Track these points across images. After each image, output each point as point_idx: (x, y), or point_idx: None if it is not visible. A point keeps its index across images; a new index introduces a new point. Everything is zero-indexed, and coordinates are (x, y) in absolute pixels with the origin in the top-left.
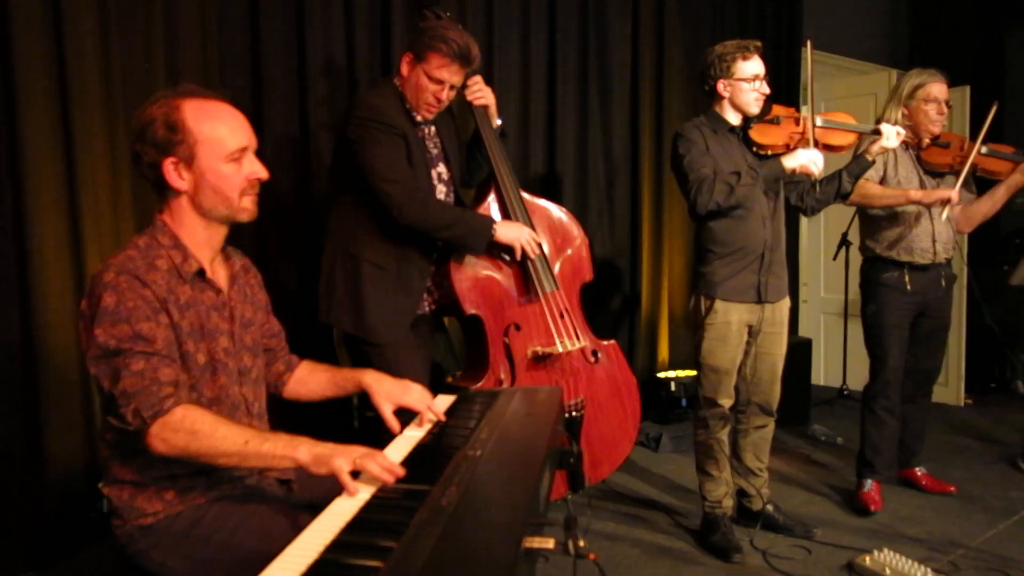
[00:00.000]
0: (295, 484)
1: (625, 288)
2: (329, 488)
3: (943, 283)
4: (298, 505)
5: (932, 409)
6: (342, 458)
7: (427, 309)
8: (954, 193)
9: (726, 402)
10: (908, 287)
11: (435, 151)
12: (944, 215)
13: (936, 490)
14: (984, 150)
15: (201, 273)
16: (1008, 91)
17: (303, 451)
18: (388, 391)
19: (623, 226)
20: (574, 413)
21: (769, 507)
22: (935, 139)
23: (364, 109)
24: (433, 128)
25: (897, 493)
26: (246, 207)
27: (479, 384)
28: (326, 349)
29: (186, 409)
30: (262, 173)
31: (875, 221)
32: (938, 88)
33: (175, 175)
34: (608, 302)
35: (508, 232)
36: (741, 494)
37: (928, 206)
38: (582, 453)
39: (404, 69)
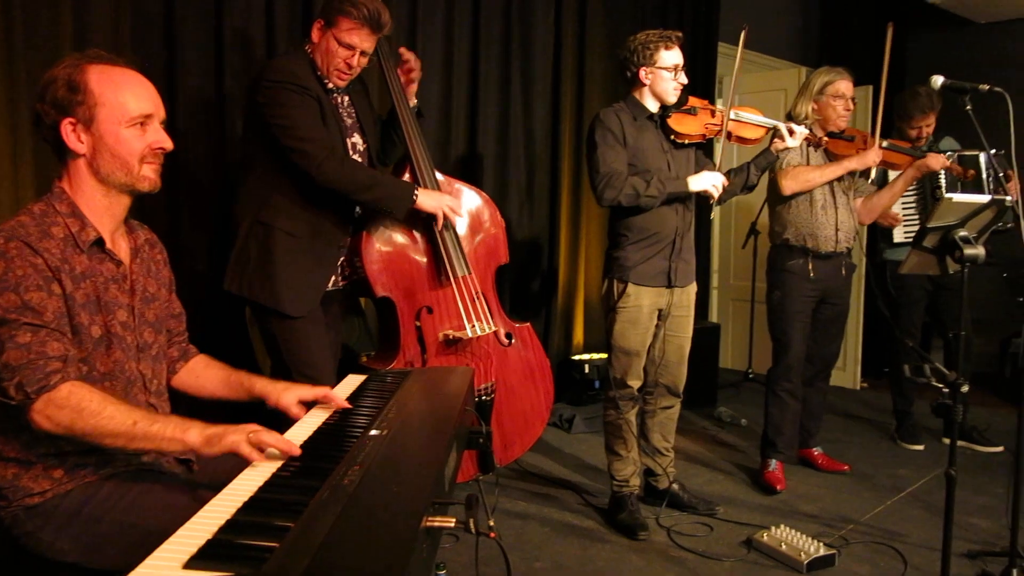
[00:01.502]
0: (195, 464)
1: (543, 271)
2: (231, 468)
3: (843, 272)
4: (198, 484)
5: (830, 392)
6: (236, 434)
7: (339, 284)
8: (877, 154)
9: (635, 383)
10: (811, 274)
11: (349, 121)
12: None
13: (831, 469)
14: (884, 144)
15: (100, 243)
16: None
17: (193, 433)
18: (284, 387)
19: (542, 210)
20: (484, 397)
21: (675, 486)
22: (841, 133)
23: (275, 72)
24: (347, 98)
25: (795, 472)
26: (147, 175)
27: (390, 366)
28: (239, 328)
29: (73, 386)
30: (166, 143)
31: (783, 210)
32: (845, 85)
33: (73, 136)
34: (526, 285)
35: (430, 199)
36: (648, 473)
37: (862, 171)
38: (491, 434)
39: (315, 35)
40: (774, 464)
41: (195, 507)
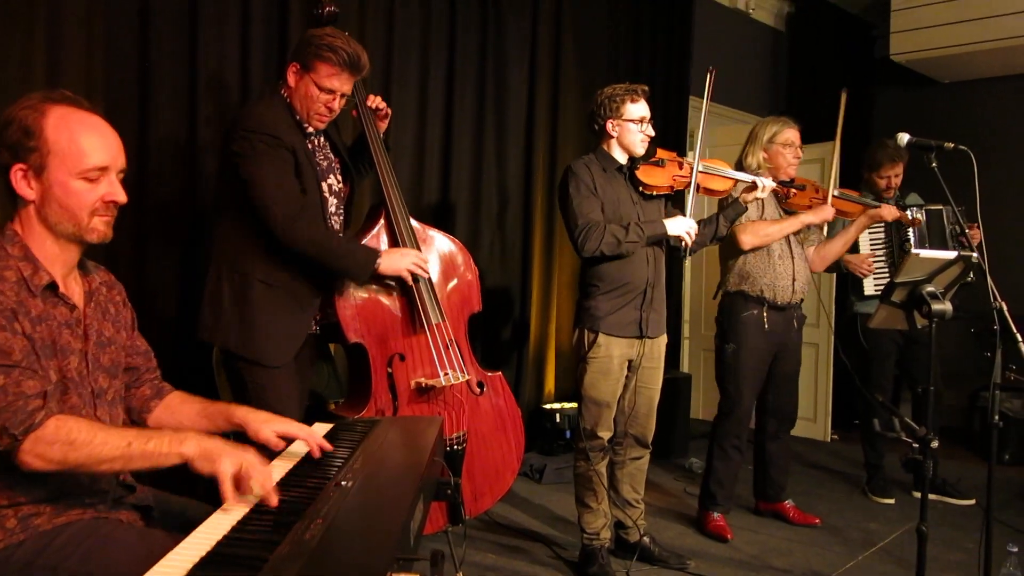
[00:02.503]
0: (154, 511)
1: (515, 319)
2: (189, 517)
3: (795, 324)
4: (156, 533)
5: (800, 444)
6: (229, 460)
7: (312, 329)
8: (831, 210)
9: (605, 434)
10: (766, 326)
11: (325, 163)
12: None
13: (802, 522)
14: (836, 193)
15: (53, 287)
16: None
17: (190, 445)
18: (266, 418)
19: (514, 258)
20: (455, 447)
21: (646, 539)
22: (791, 181)
23: (249, 121)
24: (323, 138)
25: (766, 525)
26: (96, 228)
27: (360, 414)
28: (205, 370)
29: (59, 420)
30: (119, 196)
31: (739, 261)
32: (793, 133)
33: (23, 183)
34: (497, 333)
35: (392, 263)
36: (619, 526)
37: (818, 225)
38: (460, 485)
39: (291, 79)
40: (718, 514)
41: (152, 559)
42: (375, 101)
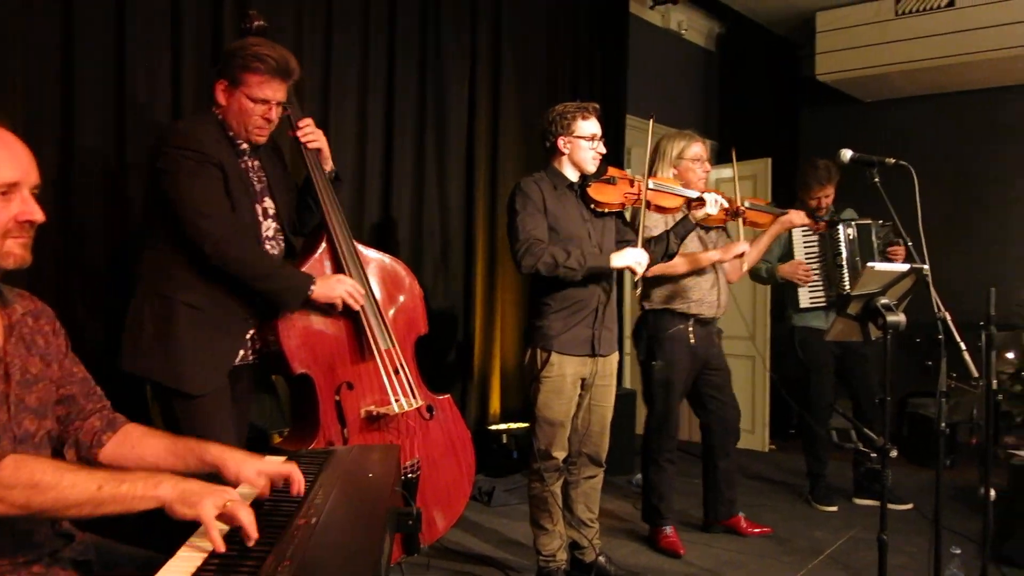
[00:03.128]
0: (95, 566)
1: (458, 340)
2: (139, 569)
3: (716, 337)
4: None
5: (739, 455)
6: (211, 502)
7: (249, 359)
8: (745, 246)
9: (560, 454)
10: (692, 341)
11: (259, 185)
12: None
13: (755, 533)
14: (748, 204)
15: None
16: (802, 162)
17: (166, 488)
18: (243, 457)
19: (457, 278)
20: (410, 475)
21: (601, 558)
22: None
23: (175, 137)
24: (257, 162)
25: (717, 539)
26: (11, 251)
27: (309, 446)
28: (139, 405)
29: (16, 460)
30: (35, 215)
31: (665, 277)
32: (701, 148)
33: None
34: (440, 354)
35: (326, 289)
36: (574, 546)
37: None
38: (420, 514)
39: (221, 97)
40: (669, 529)
41: None
42: (305, 125)
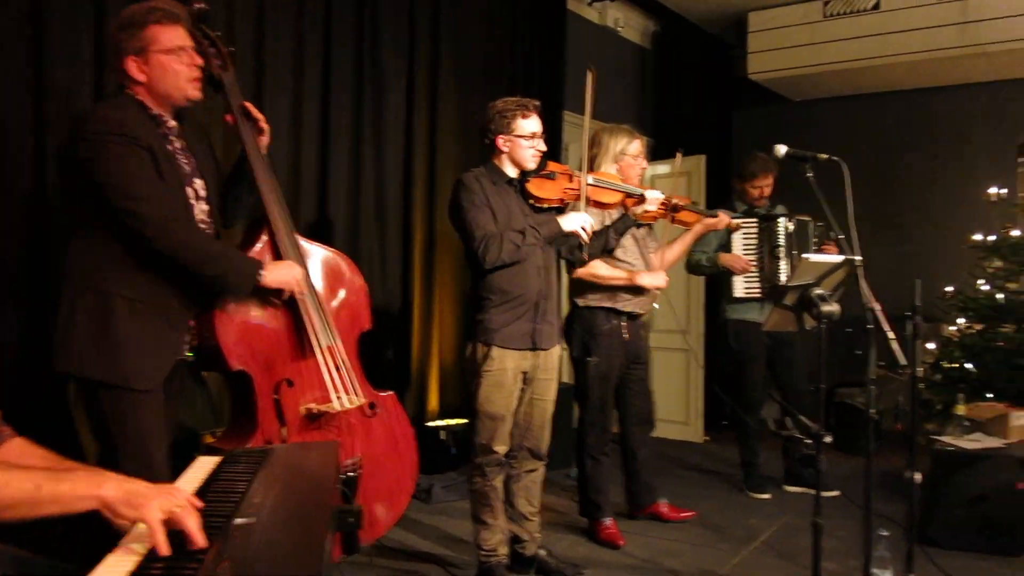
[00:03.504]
0: None
1: (396, 336)
2: None
3: (643, 331)
4: None
5: (675, 447)
6: (157, 504)
7: (184, 354)
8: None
9: (502, 448)
10: (625, 336)
11: (188, 167)
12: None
13: (677, 518)
14: (683, 203)
15: None
16: (734, 159)
17: (110, 488)
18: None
19: (394, 273)
20: (351, 473)
21: (542, 552)
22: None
23: (97, 123)
24: (183, 142)
25: (655, 528)
26: None
27: (245, 445)
28: (60, 412)
29: None
30: None
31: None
32: (641, 145)
33: None
34: (378, 351)
35: (278, 275)
36: (515, 540)
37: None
38: (361, 512)
39: (135, 72)
40: (608, 521)
41: None
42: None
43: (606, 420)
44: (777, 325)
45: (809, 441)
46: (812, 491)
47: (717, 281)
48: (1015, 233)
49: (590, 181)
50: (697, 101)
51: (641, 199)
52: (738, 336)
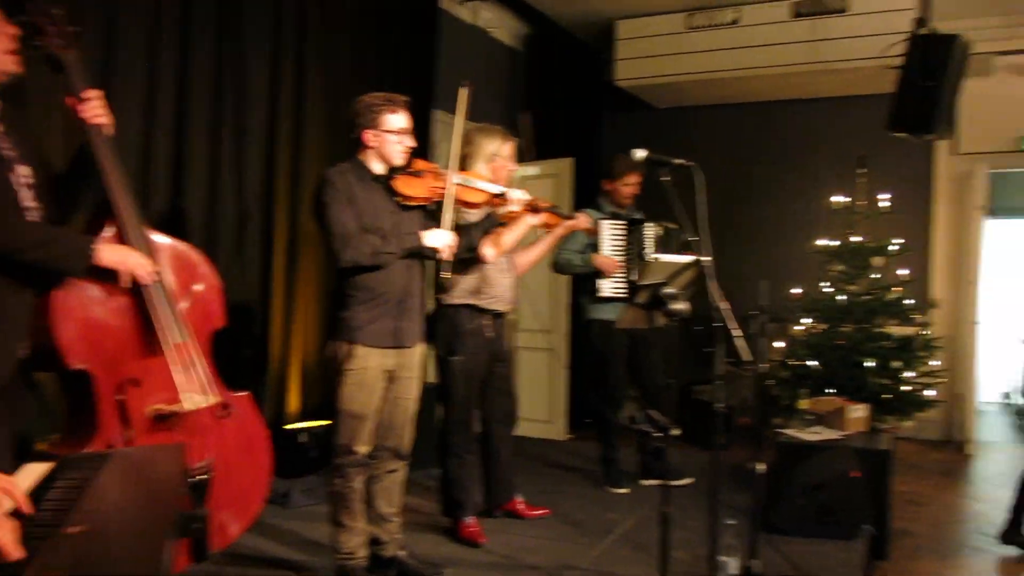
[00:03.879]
0: None
1: (254, 335)
2: None
3: (506, 329)
4: None
5: (538, 445)
6: None
7: (21, 353)
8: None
9: (363, 449)
10: (489, 334)
11: (11, 153)
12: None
13: (533, 515)
14: (545, 204)
15: None
16: (603, 163)
17: None
18: None
19: (253, 269)
20: (200, 476)
21: (402, 552)
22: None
23: None
24: (3, 125)
25: (516, 525)
26: None
27: (84, 450)
28: None
29: None
30: None
31: (469, 273)
32: (512, 147)
33: None
34: (235, 350)
35: (116, 255)
36: (374, 542)
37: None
38: (207, 517)
39: None
40: (470, 520)
41: None
42: (92, 97)
43: (470, 419)
44: (630, 323)
45: (659, 435)
46: (669, 482)
47: (580, 281)
48: (855, 239)
49: (458, 180)
50: (567, 105)
51: (506, 199)
52: (600, 335)
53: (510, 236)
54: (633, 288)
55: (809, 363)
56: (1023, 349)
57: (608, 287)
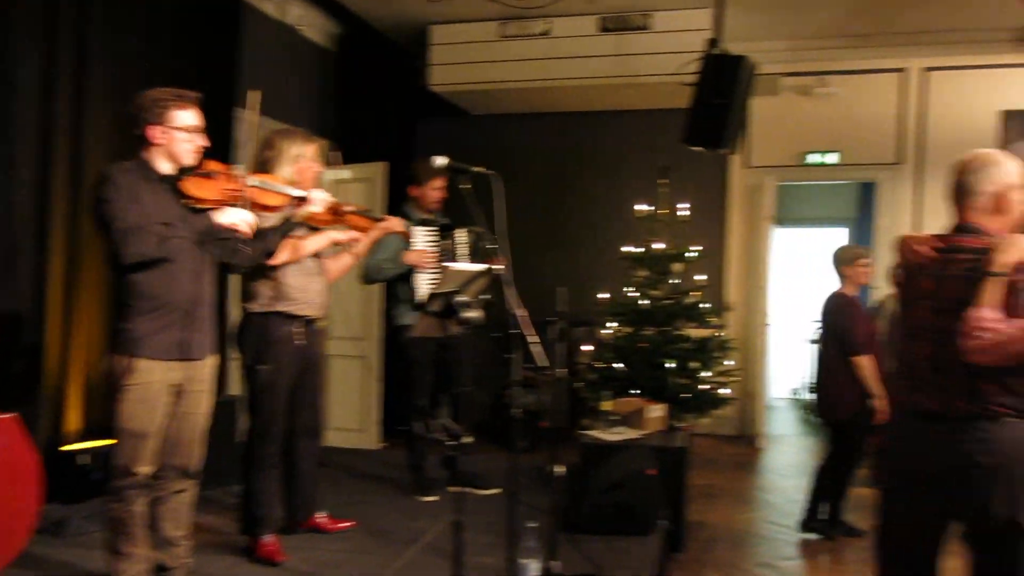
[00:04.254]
0: None
1: (26, 349)
2: None
3: (318, 337)
4: None
5: (350, 455)
6: None
7: None
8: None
9: (145, 469)
10: (299, 342)
11: None
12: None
13: (337, 529)
14: (351, 208)
15: None
16: None
17: None
18: None
19: (25, 277)
20: None
21: None
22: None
23: None
24: None
25: (315, 541)
26: None
27: None
28: None
29: None
30: None
31: (269, 275)
32: (316, 149)
33: None
34: (3, 365)
35: None
36: (160, 568)
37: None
38: None
39: None
40: (268, 538)
41: None
42: None
43: (277, 430)
44: (425, 331)
45: (452, 442)
46: (474, 490)
47: (392, 287)
48: (657, 246)
49: (254, 183)
50: (382, 108)
51: (306, 202)
52: (408, 342)
53: (312, 243)
54: (429, 297)
55: (615, 365)
56: (810, 348)
57: (426, 285)
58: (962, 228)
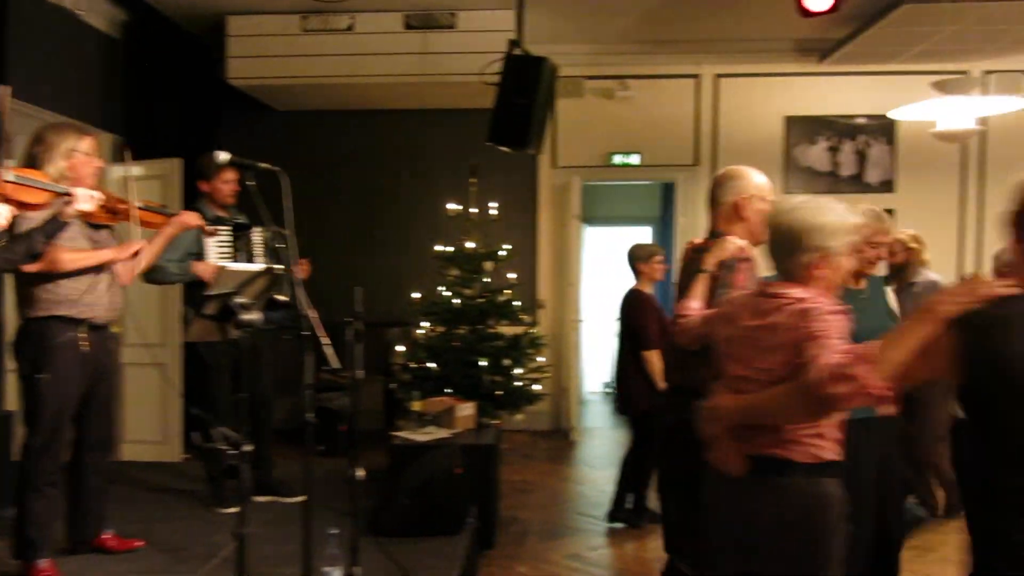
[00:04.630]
0: None
1: None
2: None
3: (111, 343)
4: None
5: (149, 469)
6: None
7: None
8: (143, 243)
9: None
10: (84, 348)
11: None
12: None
13: (125, 548)
14: (140, 204)
15: None
16: None
17: None
18: None
19: None
20: None
21: None
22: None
23: None
24: None
25: (99, 562)
26: None
27: None
28: None
29: None
30: None
31: (52, 277)
32: (93, 143)
33: None
34: None
35: None
36: None
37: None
38: None
39: None
40: (44, 563)
41: None
42: None
43: (58, 445)
44: (200, 336)
45: (232, 452)
46: (280, 498)
47: (188, 290)
48: (469, 245)
49: (10, 178)
50: (177, 101)
51: (73, 199)
52: (205, 347)
53: (86, 259)
54: (202, 299)
55: (429, 365)
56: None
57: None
58: (712, 233)
